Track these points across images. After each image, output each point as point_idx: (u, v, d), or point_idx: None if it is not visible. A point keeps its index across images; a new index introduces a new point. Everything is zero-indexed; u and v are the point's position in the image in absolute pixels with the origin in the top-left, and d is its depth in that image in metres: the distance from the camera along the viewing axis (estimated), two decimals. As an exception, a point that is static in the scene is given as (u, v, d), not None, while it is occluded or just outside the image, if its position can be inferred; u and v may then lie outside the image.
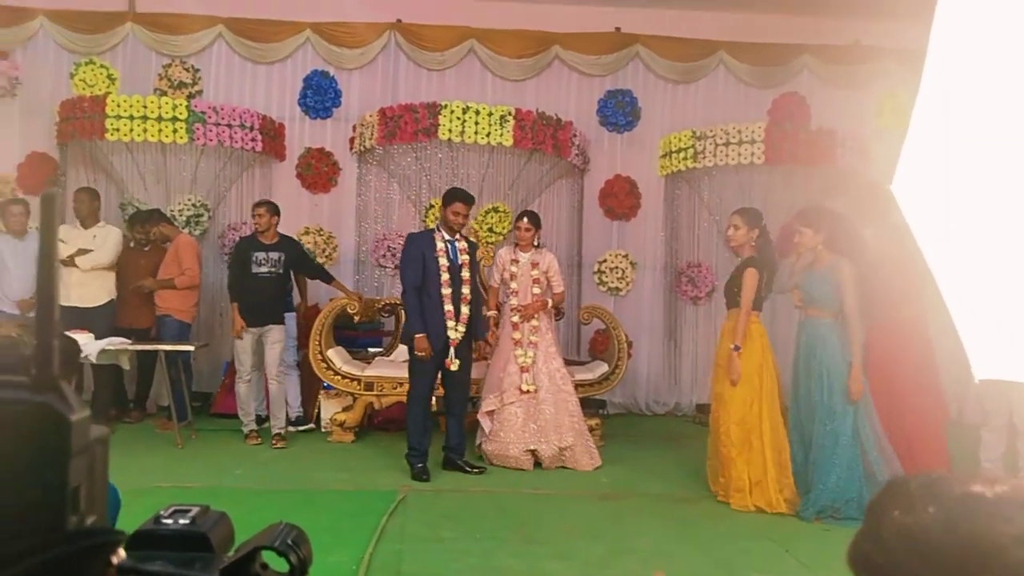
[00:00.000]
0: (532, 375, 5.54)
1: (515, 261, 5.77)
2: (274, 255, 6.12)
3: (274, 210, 6.18)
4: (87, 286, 6.39)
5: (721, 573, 3.73)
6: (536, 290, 5.68)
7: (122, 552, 0.54)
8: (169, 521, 0.69)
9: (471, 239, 6.05)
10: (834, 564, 3.97)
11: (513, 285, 5.73)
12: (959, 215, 1.34)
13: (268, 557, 0.72)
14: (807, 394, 4.71)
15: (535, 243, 5.83)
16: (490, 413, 5.66)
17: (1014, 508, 0.65)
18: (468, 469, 5.43)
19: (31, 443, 0.49)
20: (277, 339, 6.18)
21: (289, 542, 0.69)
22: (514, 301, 5.71)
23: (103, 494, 0.57)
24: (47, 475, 0.49)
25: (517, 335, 5.64)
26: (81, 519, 0.51)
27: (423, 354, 5.20)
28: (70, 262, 6.27)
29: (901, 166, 1.42)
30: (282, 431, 6.13)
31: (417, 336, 5.21)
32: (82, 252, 6.34)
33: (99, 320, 6.23)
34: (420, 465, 5.28)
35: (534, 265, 5.72)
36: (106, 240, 6.50)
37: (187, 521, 0.70)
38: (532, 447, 5.54)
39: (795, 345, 4.86)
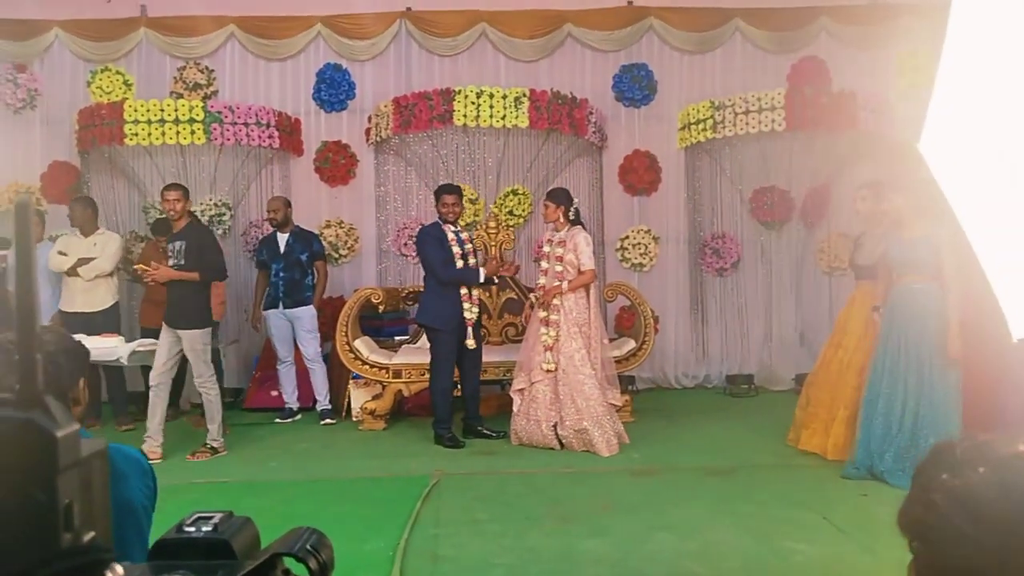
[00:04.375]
0: (554, 354, 5.52)
1: (549, 241, 5.78)
2: (177, 244, 5.53)
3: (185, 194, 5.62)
4: (91, 291, 6.44)
5: (760, 544, 3.70)
6: (558, 268, 5.60)
7: (119, 568, 0.53)
8: (192, 529, 0.69)
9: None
10: (872, 528, 3.90)
11: (543, 264, 5.74)
12: (989, 172, 1.29)
13: (290, 563, 0.71)
14: (903, 359, 4.66)
15: (564, 220, 5.61)
16: (520, 391, 5.67)
17: None
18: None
19: (17, 461, 0.49)
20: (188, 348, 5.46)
21: (308, 547, 0.68)
22: (541, 280, 5.71)
23: (103, 509, 0.56)
24: (35, 493, 0.49)
25: (542, 314, 5.62)
26: (76, 536, 0.51)
27: (506, 272, 6.22)
28: (73, 272, 6.36)
29: (928, 125, 1.37)
30: (213, 443, 5.57)
31: (486, 275, 5.84)
32: (83, 261, 6.39)
33: (106, 323, 6.28)
34: (451, 434, 5.73)
35: (560, 244, 5.63)
36: (106, 247, 6.51)
37: (209, 528, 0.69)
38: (555, 424, 5.54)
39: (888, 311, 4.79)
